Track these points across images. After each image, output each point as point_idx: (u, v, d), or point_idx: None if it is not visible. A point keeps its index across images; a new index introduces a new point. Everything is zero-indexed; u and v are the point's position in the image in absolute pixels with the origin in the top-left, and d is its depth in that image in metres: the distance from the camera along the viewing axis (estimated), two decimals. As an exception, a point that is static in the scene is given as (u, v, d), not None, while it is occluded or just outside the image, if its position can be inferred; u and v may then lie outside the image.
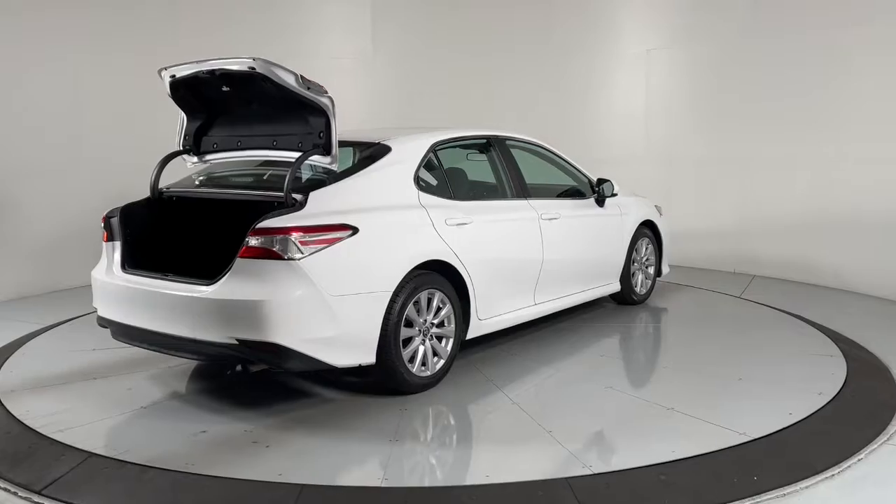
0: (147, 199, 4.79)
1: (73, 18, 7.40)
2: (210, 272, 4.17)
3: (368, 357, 4.18)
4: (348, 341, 4.08)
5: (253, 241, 3.89)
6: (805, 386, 4.55)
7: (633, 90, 9.08)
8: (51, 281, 7.35)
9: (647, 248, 6.74)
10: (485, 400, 4.43)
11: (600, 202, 6.12)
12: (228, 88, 4.41)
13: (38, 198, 7.26)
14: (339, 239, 4.03)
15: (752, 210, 8.28)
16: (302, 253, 3.89)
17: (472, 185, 5.30)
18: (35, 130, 7.20)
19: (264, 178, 4.95)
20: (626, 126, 9.15)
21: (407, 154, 4.71)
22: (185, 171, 5.03)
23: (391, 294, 4.22)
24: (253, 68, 4.10)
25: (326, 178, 4.33)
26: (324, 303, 3.94)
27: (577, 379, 4.83)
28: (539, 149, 5.90)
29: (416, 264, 4.36)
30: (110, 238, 4.59)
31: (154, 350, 4.43)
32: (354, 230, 4.09)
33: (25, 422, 4.06)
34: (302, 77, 4.09)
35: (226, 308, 3.89)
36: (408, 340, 4.37)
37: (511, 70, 9.48)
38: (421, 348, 4.46)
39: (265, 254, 3.88)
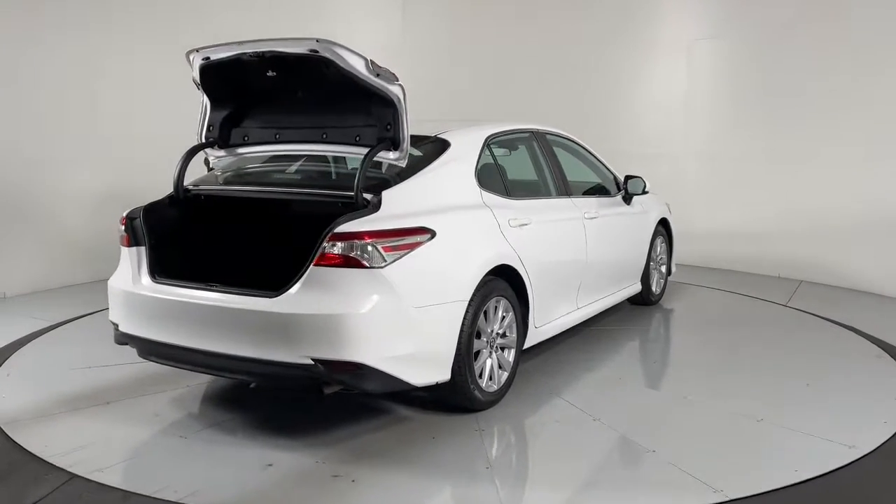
0: (170, 198, 4.20)
1: (94, 11, 7.06)
2: (263, 281, 3.66)
3: (444, 374, 3.77)
4: (427, 357, 3.66)
5: (330, 248, 3.42)
6: (880, 394, 4.42)
7: (674, 83, 8.60)
8: (64, 277, 7.10)
9: (661, 247, 6.56)
10: (558, 414, 4.09)
11: (627, 200, 5.88)
12: (274, 74, 3.90)
13: (53, 192, 6.95)
14: (420, 244, 3.60)
15: (798, 211, 7.73)
16: (385, 260, 3.44)
17: (520, 182, 4.94)
18: (53, 124, 6.86)
19: (297, 174, 4.46)
20: (664, 120, 8.68)
21: (466, 149, 4.31)
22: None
23: (466, 303, 3.83)
24: (315, 51, 3.60)
25: (390, 177, 3.87)
26: (407, 315, 3.51)
27: (645, 387, 4.60)
28: (571, 143, 5.59)
29: (488, 269, 3.98)
30: (133, 242, 3.99)
31: (197, 371, 3.89)
32: (433, 234, 3.67)
33: (49, 460, 3.45)
34: (372, 62, 3.63)
35: (299, 323, 3.38)
36: (476, 354, 3.98)
37: (544, 62, 9.08)
38: (488, 361, 4.08)
39: (344, 262, 3.41)
